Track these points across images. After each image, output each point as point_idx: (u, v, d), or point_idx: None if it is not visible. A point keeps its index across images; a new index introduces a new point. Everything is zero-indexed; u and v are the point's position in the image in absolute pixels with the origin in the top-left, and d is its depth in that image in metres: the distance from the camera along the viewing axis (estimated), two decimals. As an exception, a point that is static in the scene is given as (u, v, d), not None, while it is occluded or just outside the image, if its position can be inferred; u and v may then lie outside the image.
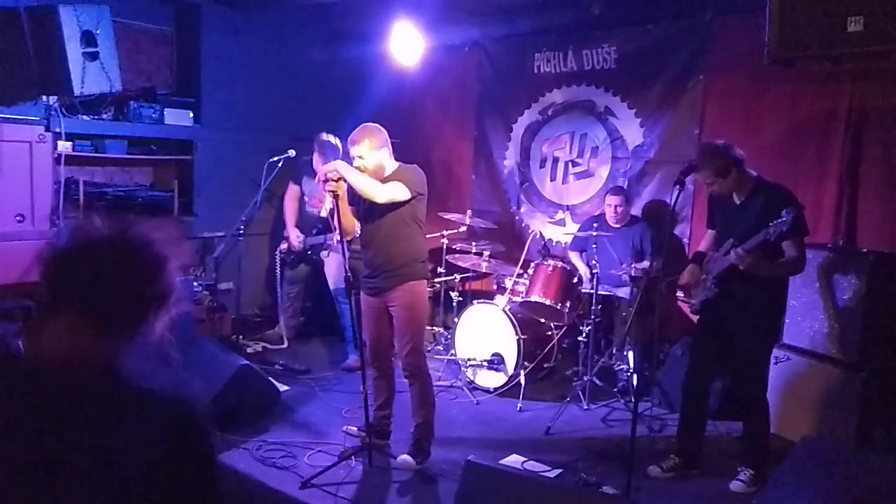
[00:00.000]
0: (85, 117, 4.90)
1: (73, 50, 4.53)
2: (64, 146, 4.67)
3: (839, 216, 4.37)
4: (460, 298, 5.32)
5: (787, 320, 4.01)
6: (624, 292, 4.82)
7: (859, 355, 3.76)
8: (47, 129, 4.57)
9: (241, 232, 4.17)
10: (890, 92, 4.14)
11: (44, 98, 4.58)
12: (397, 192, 3.39)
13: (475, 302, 4.99)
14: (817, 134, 4.46)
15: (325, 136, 4.82)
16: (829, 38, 2.98)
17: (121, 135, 5.11)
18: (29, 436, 1.11)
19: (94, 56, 4.64)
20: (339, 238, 4.80)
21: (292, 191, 5.09)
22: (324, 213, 3.93)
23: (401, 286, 3.50)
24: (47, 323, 1.16)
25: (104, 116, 5.03)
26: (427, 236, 3.72)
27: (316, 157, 4.76)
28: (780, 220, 3.06)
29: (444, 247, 5.47)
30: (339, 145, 4.80)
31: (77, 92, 4.58)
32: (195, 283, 4.58)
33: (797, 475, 2.47)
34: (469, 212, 5.52)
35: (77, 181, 4.91)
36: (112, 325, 1.17)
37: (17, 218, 4.43)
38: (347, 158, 3.51)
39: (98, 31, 4.64)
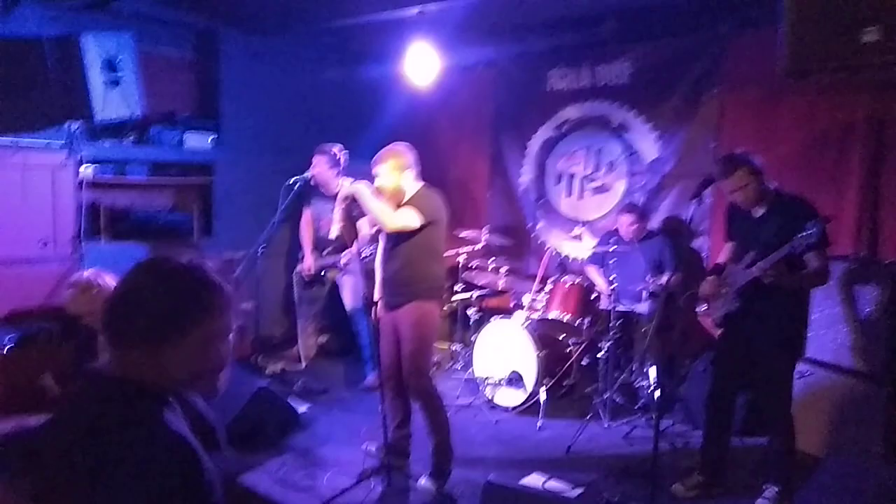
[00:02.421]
0: (107, 142, 4.99)
1: (95, 77, 4.64)
2: (86, 171, 4.77)
3: (859, 228, 4.31)
4: (478, 316, 5.31)
5: (809, 333, 3.95)
6: (643, 308, 4.78)
7: (884, 368, 3.69)
8: (70, 155, 4.67)
9: (260, 252, 4.21)
10: (908, 101, 4.11)
11: (67, 124, 4.68)
12: (408, 220, 3.41)
13: (493, 319, 4.97)
14: (835, 145, 4.42)
15: (326, 146, 4.86)
16: (845, 50, 2.96)
17: (142, 159, 5.20)
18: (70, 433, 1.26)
19: (115, 82, 4.74)
20: (346, 261, 4.86)
21: (306, 215, 5.15)
22: (333, 235, 3.97)
23: (408, 304, 3.51)
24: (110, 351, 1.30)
25: (126, 141, 5.12)
26: (444, 254, 3.72)
27: (316, 159, 4.79)
28: (806, 233, 3.04)
29: (461, 264, 5.47)
30: (342, 158, 4.84)
31: (99, 118, 4.68)
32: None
33: (824, 492, 2.42)
34: (485, 229, 5.52)
35: (99, 205, 5.00)
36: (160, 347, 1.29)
37: (41, 243, 4.51)
38: (352, 172, 3.55)
39: (120, 58, 4.75)
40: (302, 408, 4.42)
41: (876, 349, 3.73)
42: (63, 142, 4.67)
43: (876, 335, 3.73)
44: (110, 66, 4.71)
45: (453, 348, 5.69)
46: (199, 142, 5.41)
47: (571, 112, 5.80)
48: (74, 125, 4.71)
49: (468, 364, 5.14)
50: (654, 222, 5.22)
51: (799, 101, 4.54)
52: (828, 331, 3.92)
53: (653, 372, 4.67)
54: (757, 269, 3.24)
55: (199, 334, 1.29)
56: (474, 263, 5.55)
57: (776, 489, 3.40)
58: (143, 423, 1.23)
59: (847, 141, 4.37)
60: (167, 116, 5.40)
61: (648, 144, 5.36)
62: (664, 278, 4.64)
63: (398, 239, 3.49)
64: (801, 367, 3.92)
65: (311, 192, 4.98)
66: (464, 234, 5.47)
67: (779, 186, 3.41)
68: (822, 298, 3.85)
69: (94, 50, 4.62)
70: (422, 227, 3.44)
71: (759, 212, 3.40)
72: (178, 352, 1.28)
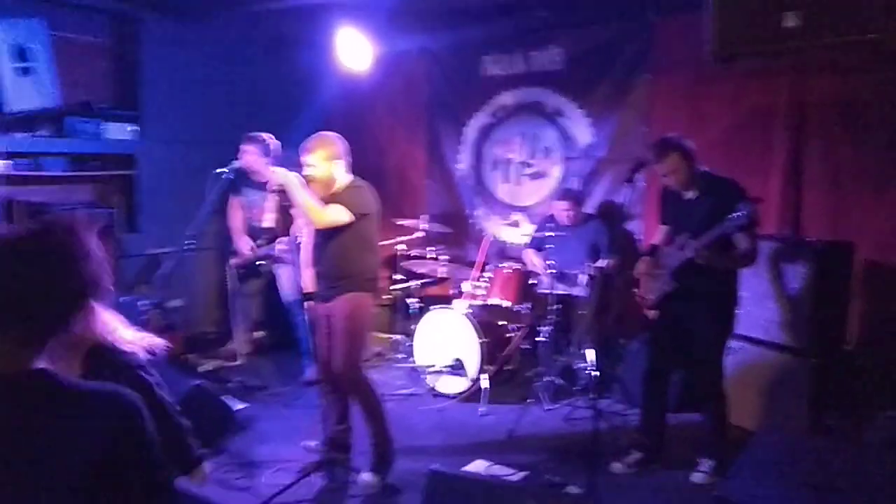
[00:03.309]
0: (20, 135, 4.70)
1: (5, 66, 4.37)
2: (0, 166, 4.48)
3: (784, 207, 4.47)
4: (419, 305, 5.28)
5: (739, 311, 4.09)
6: (581, 291, 4.84)
7: (810, 342, 3.85)
8: (-20, 149, 4.39)
9: (190, 247, 4.04)
10: (827, 85, 4.27)
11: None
12: (338, 216, 3.34)
13: (433, 308, 4.95)
14: (760, 128, 4.57)
15: (256, 134, 4.72)
16: (767, 35, 3.04)
17: (59, 151, 4.92)
18: None
19: (27, 71, 4.48)
20: (283, 248, 4.74)
21: (236, 203, 4.99)
22: (266, 224, 3.83)
23: (342, 296, 3.44)
24: None
25: (40, 133, 4.84)
26: (382, 243, 3.66)
27: (245, 148, 4.64)
28: (737, 215, 3.12)
29: (401, 253, 5.42)
30: (273, 146, 4.71)
31: (10, 109, 4.42)
32: (141, 302, 4.42)
33: (756, 465, 2.50)
34: (424, 217, 5.48)
35: (14, 202, 4.71)
36: (41, 333, 1.18)
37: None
38: (285, 161, 3.43)
39: (32, 46, 4.48)
40: (238, 406, 4.29)
41: (802, 324, 3.88)
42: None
43: (802, 311, 3.87)
44: (21, 54, 4.46)
45: (394, 338, 5.64)
46: (119, 132, 5.17)
47: (507, 98, 5.81)
48: (-16, 117, 4.44)
49: (410, 353, 5.11)
50: (590, 207, 5.29)
51: (725, 86, 4.66)
52: (756, 308, 4.05)
53: (591, 353, 4.75)
54: (690, 251, 3.31)
55: None
56: (414, 252, 5.50)
57: (711, 463, 3.51)
58: None
59: (771, 123, 4.52)
60: (85, 106, 5.14)
61: (582, 130, 5.41)
62: (601, 262, 4.70)
63: (330, 233, 3.41)
64: (731, 343, 4.06)
65: (241, 181, 4.82)
66: (402, 222, 5.41)
67: (709, 169, 3.49)
68: (750, 276, 3.97)
69: (2, 37, 4.35)
70: (354, 222, 3.37)
71: (690, 194, 3.47)
72: None
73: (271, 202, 4.40)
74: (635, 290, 3.81)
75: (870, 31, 2.81)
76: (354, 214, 3.35)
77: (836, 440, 3.54)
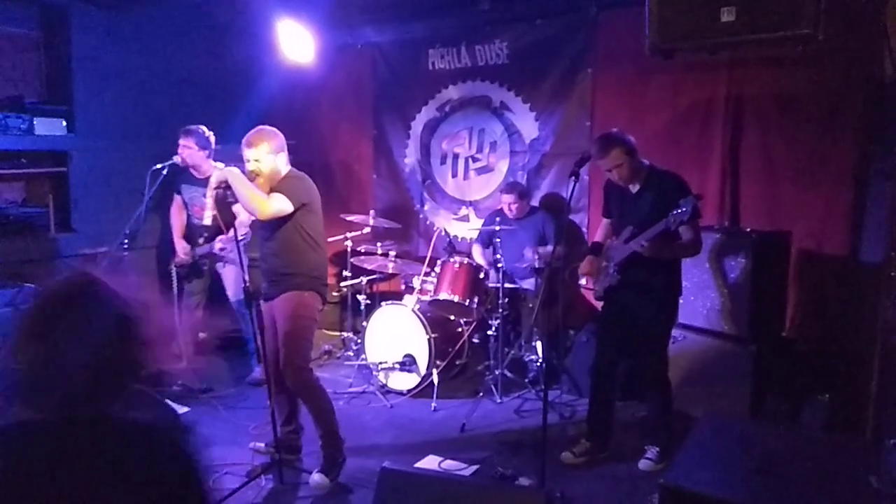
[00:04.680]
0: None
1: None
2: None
3: (723, 199, 4.59)
4: (368, 301, 5.22)
5: (681, 301, 4.18)
6: (529, 284, 4.88)
7: (749, 330, 3.96)
8: None
9: (126, 246, 3.90)
10: (763, 78, 4.39)
11: None
12: (281, 206, 3.27)
13: (383, 304, 4.91)
14: (699, 121, 4.67)
15: (192, 127, 4.58)
16: (704, 29, 3.11)
17: (-15, 148, 4.69)
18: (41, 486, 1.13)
19: (-53, 63, 4.24)
20: (221, 246, 4.62)
21: (177, 202, 4.84)
22: (207, 221, 3.71)
23: (284, 294, 3.39)
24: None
25: (-35, 129, 4.60)
26: (330, 240, 3.60)
27: (183, 141, 4.50)
28: (679, 211, 3.18)
29: (349, 249, 5.35)
30: (211, 137, 4.59)
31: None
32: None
33: (701, 450, 2.55)
34: (372, 212, 5.42)
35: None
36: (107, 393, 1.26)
37: None
38: (222, 155, 3.34)
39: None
40: (182, 409, 4.17)
41: (742, 312, 3.99)
42: None
43: (741, 299, 3.98)
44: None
45: (344, 335, 5.57)
46: (50, 128, 4.95)
47: (453, 92, 5.79)
48: None
49: (360, 350, 5.05)
50: (536, 200, 5.33)
51: (666, 80, 4.75)
52: (698, 297, 4.15)
53: (540, 346, 4.79)
54: (635, 244, 3.37)
55: None
56: (362, 248, 5.44)
57: (656, 450, 3.59)
58: None
59: (709, 116, 4.62)
60: (13, 101, 4.91)
61: (528, 124, 5.44)
62: (548, 248, 4.75)
63: (272, 227, 3.35)
64: (674, 332, 4.14)
65: (179, 177, 4.67)
66: (350, 218, 5.34)
67: (652, 163, 3.55)
68: (691, 267, 4.07)
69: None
70: (294, 213, 3.31)
71: (634, 188, 3.52)
72: None
73: (210, 198, 4.29)
74: (582, 281, 3.86)
75: (803, 26, 2.91)
76: (294, 204, 3.29)
77: (776, 423, 3.65)
